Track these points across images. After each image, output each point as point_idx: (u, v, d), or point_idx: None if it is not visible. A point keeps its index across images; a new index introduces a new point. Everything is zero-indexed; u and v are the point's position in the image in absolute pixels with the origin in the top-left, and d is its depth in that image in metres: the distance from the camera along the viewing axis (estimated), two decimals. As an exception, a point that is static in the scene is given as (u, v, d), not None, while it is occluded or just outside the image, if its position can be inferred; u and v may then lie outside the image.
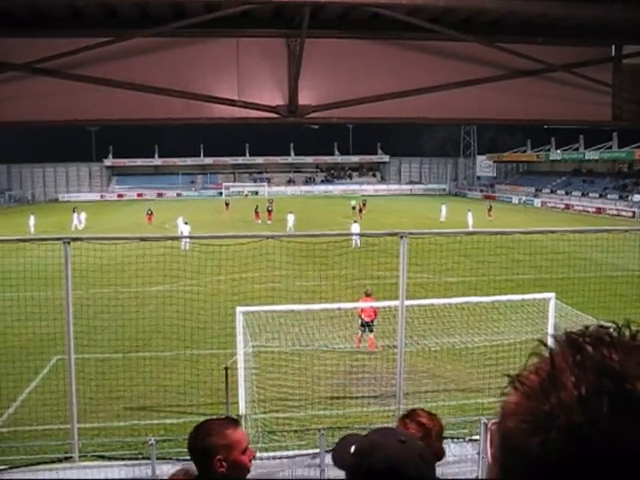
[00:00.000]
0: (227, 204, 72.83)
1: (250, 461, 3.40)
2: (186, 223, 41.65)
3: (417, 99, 7.69)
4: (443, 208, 58.51)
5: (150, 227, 51.22)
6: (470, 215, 49.55)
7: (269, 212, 58.72)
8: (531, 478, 0.81)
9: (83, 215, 55.58)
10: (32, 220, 50.17)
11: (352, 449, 2.23)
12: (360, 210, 59.51)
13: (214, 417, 3.72)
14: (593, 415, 0.76)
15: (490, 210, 59.72)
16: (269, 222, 56.42)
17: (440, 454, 3.41)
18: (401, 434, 2.25)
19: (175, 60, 7.31)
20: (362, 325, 18.08)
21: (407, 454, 2.10)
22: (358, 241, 32.82)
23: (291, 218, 48.81)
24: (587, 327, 0.86)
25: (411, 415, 3.86)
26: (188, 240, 30.19)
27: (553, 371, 0.81)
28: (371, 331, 18.05)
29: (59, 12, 6.73)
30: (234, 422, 3.63)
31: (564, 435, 0.77)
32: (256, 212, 59.93)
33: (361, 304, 17.94)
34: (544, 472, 0.79)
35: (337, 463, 2.30)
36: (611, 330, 0.84)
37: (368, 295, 18.38)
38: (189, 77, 7.33)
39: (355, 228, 38.15)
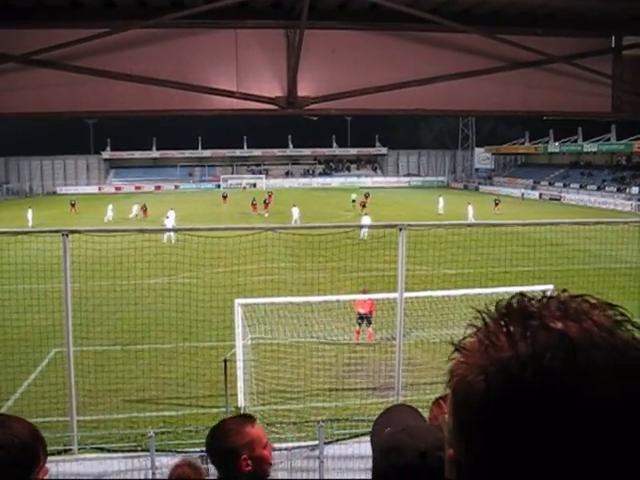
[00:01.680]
0: (225, 197, 72.38)
1: (270, 454, 3.39)
2: (167, 217, 41.71)
3: (416, 90, 7.66)
4: (441, 200, 58.35)
5: (145, 222, 51.18)
6: (471, 208, 49.34)
7: (266, 204, 58.56)
8: (478, 421, 0.88)
9: (110, 207, 55.58)
10: (30, 214, 49.82)
11: (388, 429, 2.20)
12: (364, 205, 57.80)
13: (228, 417, 3.68)
14: (519, 349, 0.85)
15: (497, 204, 59.11)
16: (266, 214, 56.20)
17: None
18: (427, 440, 2.14)
19: (174, 51, 7.27)
20: (360, 318, 18.11)
21: (421, 471, 2.04)
22: (365, 233, 32.96)
23: (296, 211, 48.63)
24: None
25: (437, 403, 3.81)
26: (172, 234, 30.51)
27: (487, 328, 0.92)
28: (369, 324, 18.07)
29: (57, 2, 6.69)
30: (250, 418, 3.62)
31: (499, 370, 0.86)
32: (253, 204, 59.96)
33: (357, 296, 17.97)
34: (488, 410, 0.86)
35: (372, 438, 2.26)
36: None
37: (365, 292, 18.47)
38: (188, 68, 7.30)
39: (366, 220, 38.22)
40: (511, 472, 0.86)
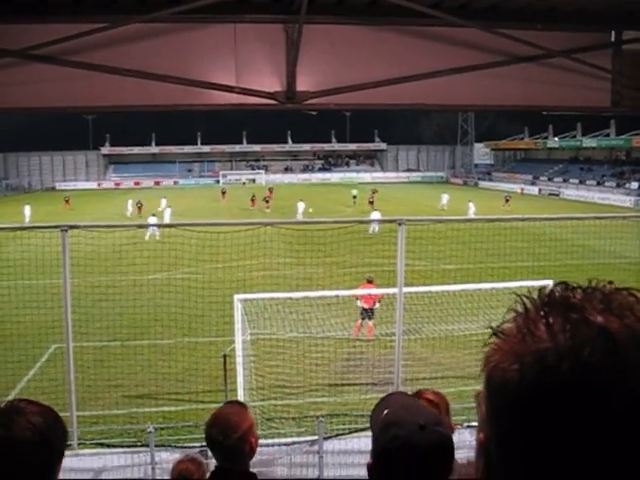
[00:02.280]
0: (224, 192, 72.04)
1: None
2: (154, 215, 40.57)
3: (415, 85, 7.65)
4: (444, 197, 57.97)
5: (141, 219, 51.12)
6: (472, 205, 49.20)
7: (267, 201, 58.08)
8: (512, 409, 0.88)
9: (130, 202, 56.41)
10: (27, 211, 49.22)
11: (384, 413, 2.25)
12: (371, 201, 54.90)
13: (221, 408, 3.65)
14: (558, 341, 0.85)
15: (508, 200, 58.36)
16: (267, 210, 55.92)
17: (451, 428, 3.40)
18: (425, 416, 2.23)
19: (172, 46, 7.26)
20: (363, 312, 18.11)
21: (422, 441, 2.12)
22: (376, 228, 32.81)
23: (301, 206, 48.47)
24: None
25: (417, 394, 3.84)
26: (156, 229, 30.50)
27: (527, 315, 0.92)
28: (370, 319, 18.07)
29: (55, -3, 6.68)
30: (240, 403, 3.64)
31: (536, 360, 0.86)
32: (252, 199, 59.90)
33: (359, 291, 17.97)
34: (522, 400, 0.86)
35: (371, 423, 2.31)
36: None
37: (370, 281, 18.32)
38: (187, 63, 7.29)
39: (376, 215, 38.06)
40: (540, 463, 0.87)
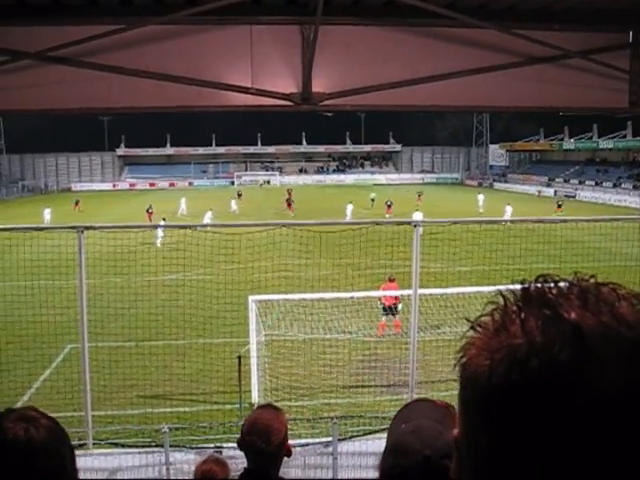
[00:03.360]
0: (239, 194, 70.30)
1: None
2: (164, 219, 39.81)
3: (431, 86, 7.63)
4: (480, 198, 57.16)
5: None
6: (509, 208, 48.32)
7: (289, 204, 57.02)
8: (480, 404, 0.88)
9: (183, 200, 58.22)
10: (48, 215, 47.94)
11: (402, 427, 2.19)
12: (389, 206, 52.99)
13: (258, 412, 3.60)
14: (530, 337, 0.84)
15: (560, 206, 55.41)
16: (292, 214, 54.53)
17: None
18: (434, 445, 2.13)
19: (188, 48, 7.28)
20: (384, 310, 18.23)
21: (422, 475, 2.05)
22: (420, 230, 31.85)
23: (349, 208, 47.76)
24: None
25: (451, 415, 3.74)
26: (162, 237, 30.72)
27: (504, 310, 0.91)
28: (395, 314, 18.20)
29: (73, 0, 6.72)
30: (274, 406, 3.64)
31: (506, 355, 0.85)
32: (288, 202, 59.37)
33: (374, 293, 17.99)
34: (490, 395, 0.86)
35: (388, 433, 2.25)
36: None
37: (392, 280, 18.57)
38: (203, 65, 7.31)
39: (418, 216, 37.23)
40: (505, 460, 0.86)
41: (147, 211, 50.03)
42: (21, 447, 1.80)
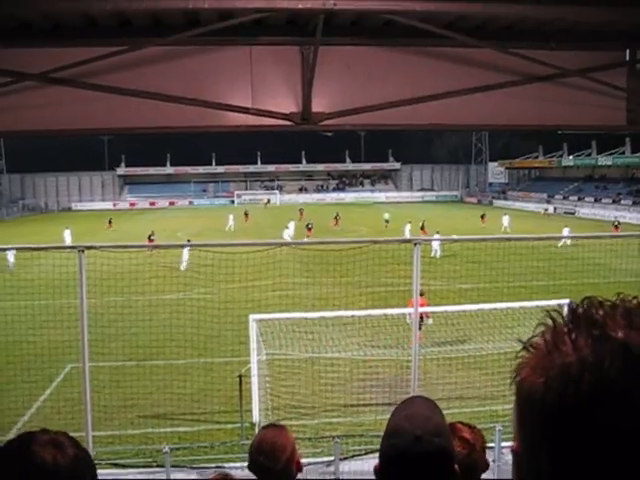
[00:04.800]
0: (246, 214, 68.90)
1: None
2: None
3: (430, 106, 7.67)
4: (505, 219, 55.85)
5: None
6: (566, 230, 48.45)
7: (309, 229, 51.89)
8: (537, 420, 0.93)
9: (231, 217, 59.62)
10: (68, 236, 43.79)
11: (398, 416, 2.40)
12: (422, 227, 50.03)
13: (264, 432, 3.61)
14: (582, 355, 0.89)
15: (617, 227, 52.53)
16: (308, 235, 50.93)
17: (485, 467, 3.38)
18: (424, 426, 2.31)
19: (189, 68, 7.33)
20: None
21: (416, 452, 2.22)
22: (437, 251, 31.47)
23: (408, 227, 46.35)
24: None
25: (452, 430, 3.72)
26: (187, 260, 30.28)
27: (554, 330, 0.96)
28: (419, 329, 18.28)
29: (73, 21, 6.77)
30: (279, 425, 3.65)
31: (560, 373, 0.90)
32: (335, 219, 59.24)
33: (376, 312, 18.00)
34: (547, 411, 0.91)
35: (388, 422, 2.45)
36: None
37: (420, 295, 18.65)
38: (203, 85, 7.35)
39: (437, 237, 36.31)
40: (564, 474, 0.91)
41: (149, 238, 41.38)
42: (46, 472, 1.80)
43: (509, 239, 21.01)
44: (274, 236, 41.80)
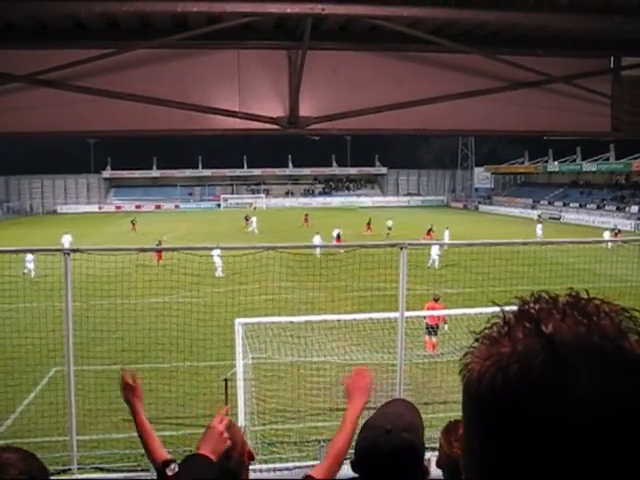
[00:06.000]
0: (247, 218, 66.74)
1: None
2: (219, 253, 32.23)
3: (417, 110, 7.71)
4: (539, 228, 53.48)
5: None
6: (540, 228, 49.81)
7: (338, 238, 45.57)
8: (473, 407, 0.97)
9: (254, 219, 60.80)
10: (67, 242, 40.41)
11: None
12: (429, 231, 47.79)
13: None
14: (514, 347, 0.93)
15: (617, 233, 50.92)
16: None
17: None
18: (396, 421, 2.47)
19: (176, 71, 7.33)
20: (427, 327, 18.46)
21: (383, 445, 2.40)
22: (436, 262, 31.65)
23: (447, 233, 45.12)
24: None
25: (454, 430, 3.56)
26: (221, 265, 29.74)
27: (501, 323, 0.99)
28: (434, 335, 18.39)
29: (61, 23, 6.76)
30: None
31: (494, 362, 0.94)
32: (368, 225, 58.39)
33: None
34: (478, 399, 0.95)
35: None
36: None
37: (436, 300, 19.27)
38: (190, 88, 7.36)
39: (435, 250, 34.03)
40: (490, 459, 0.94)
41: (158, 252, 36.60)
42: None
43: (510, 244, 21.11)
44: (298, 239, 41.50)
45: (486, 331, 1.02)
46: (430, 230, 47.59)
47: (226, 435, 3.16)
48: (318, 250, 28.90)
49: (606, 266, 23.10)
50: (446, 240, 39.85)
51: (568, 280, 23.22)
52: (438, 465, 3.68)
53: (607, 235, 45.76)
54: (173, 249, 23.35)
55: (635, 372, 0.89)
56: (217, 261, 29.96)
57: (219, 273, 29.78)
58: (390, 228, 56.40)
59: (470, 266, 21.74)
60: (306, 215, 66.61)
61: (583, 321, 0.93)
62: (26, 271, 27.18)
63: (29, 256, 27.25)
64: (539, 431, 0.88)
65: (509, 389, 0.91)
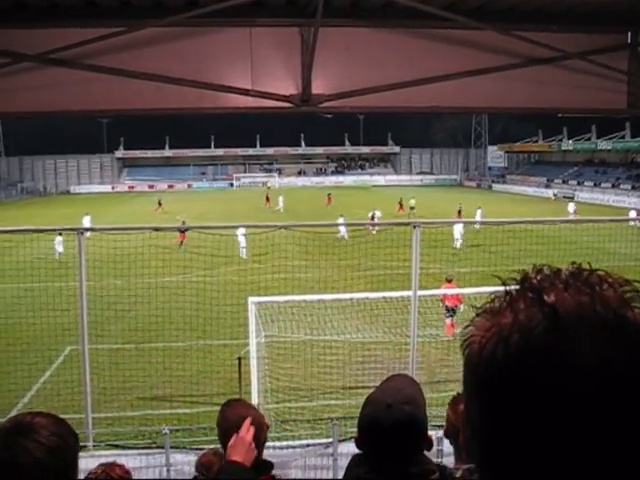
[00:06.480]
0: (268, 198, 66.03)
1: None
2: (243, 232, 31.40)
3: (430, 88, 7.64)
4: (571, 207, 52.58)
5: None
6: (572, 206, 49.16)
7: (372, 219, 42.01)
8: (474, 378, 0.97)
9: (281, 198, 61.54)
10: (87, 222, 39.02)
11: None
12: (459, 212, 47.12)
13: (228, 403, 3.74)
14: (515, 317, 0.93)
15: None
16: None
17: None
18: (396, 396, 2.48)
19: (188, 50, 7.29)
20: (447, 310, 18.45)
21: (386, 418, 2.41)
22: (460, 240, 30.77)
23: (479, 212, 43.57)
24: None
25: (461, 401, 3.70)
26: (245, 246, 29.01)
27: (503, 296, 1.00)
28: (452, 316, 18.38)
29: (72, 2, 6.73)
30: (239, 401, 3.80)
31: (495, 333, 0.94)
32: (400, 204, 56.74)
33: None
34: (481, 369, 0.95)
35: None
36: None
37: (449, 281, 19.28)
38: (202, 67, 7.32)
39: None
40: (490, 429, 0.94)
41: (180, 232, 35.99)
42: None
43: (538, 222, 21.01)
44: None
45: (488, 304, 1.02)
46: (459, 211, 47.03)
47: (254, 446, 3.22)
48: (344, 230, 28.52)
49: (620, 245, 22.95)
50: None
51: (582, 259, 23.11)
52: (446, 435, 3.86)
53: (634, 214, 45.47)
54: (187, 228, 23.41)
55: (637, 340, 0.89)
56: (241, 241, 29.18)
57: (243, 254, 28.98)
58: (413, 207, 55.19)
59: (484, 244, 21.64)
60: (329, 195, 66.73)
61: (586, 291, 0.93)
62: (57, 255, 26.56)
63: (58, 237, 27.00)
64: (540, 401, 0.88)
65: (510, 359, 0.90)
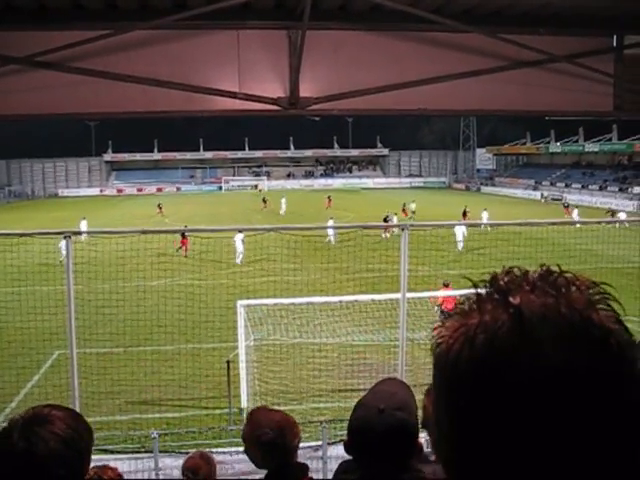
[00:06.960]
0: (265, 200, 66.06)
1: None
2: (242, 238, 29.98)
3: (418, 90, 7.66)
4: (575, 212, 50.64)
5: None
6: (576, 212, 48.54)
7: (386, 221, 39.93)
8: (441, 378, 0.97)
9: (283, 201, 60.75)
10: (85, 227, 38.36)
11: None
12: (465, 213, 46.63)
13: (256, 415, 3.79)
14: (482, 318, 0.93)
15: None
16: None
17: None
18: (388, 400, 2.46)
19: (176, 52, 7.28)
20: (442, 313, 18.44)
21: (377, 424, 2.38)
22: (461, 244, 30.50)
23: (485, 215, 42.98)
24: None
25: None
26: (242, 252, 28.46)
27: (473, 297, 0.99)
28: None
29: (59, 4, 6.71)
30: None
31: (462, 333, 0.94)
32: (403, 210, 53.81)
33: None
34: (448, 369, 0.95)
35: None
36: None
37: (446, 285, 19.17)
38: (190, 69, 7.31)
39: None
40: (455, 429, 0.94)
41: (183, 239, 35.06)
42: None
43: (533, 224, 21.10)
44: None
45: (459, 306, 1.02)
46: (465, 212, 46.69)
47: None
48: (332, 233, 28.03)
49: (607, 247, 23.05)
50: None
51: (570, 261, 23.23)
52: (423, 426, 3.87)
53: (623, 216, 45.76)
54: (174, 231, 23.36)
55: (601, 342, 0.89)
56: (239, 246, 28.09)
57: (239, 260, 27.99)
58: (414, 212, 54.63)
59: (472, 247, 21.71)
60: (329, 197, 65.83)
61: (552, 293, 0.93)
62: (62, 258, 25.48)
63: (63, 241, 25.78)
64: (504, 401, 0.88)
65: (475, 359, 0.91)
